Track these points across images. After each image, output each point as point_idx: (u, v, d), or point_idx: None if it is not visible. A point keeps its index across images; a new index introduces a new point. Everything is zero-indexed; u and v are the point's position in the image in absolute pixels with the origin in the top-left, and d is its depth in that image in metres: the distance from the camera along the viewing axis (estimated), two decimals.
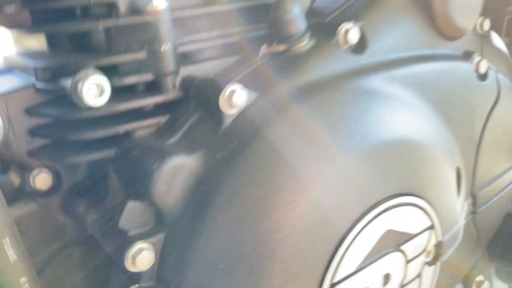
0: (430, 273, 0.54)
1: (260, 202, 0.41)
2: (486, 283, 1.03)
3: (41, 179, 0.51)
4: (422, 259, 0.52)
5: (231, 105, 0.44)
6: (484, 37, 0.70)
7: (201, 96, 0.46)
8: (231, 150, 0.42)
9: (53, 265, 0.54)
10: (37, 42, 0.55)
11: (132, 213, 0.42)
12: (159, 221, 0.43)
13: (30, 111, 0.48)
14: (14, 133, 0.48)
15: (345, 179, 0.44)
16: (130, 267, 0.41)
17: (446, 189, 0.54)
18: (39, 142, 0.49)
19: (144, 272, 0.42)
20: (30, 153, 0.49)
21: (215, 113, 0.44)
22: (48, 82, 0.47)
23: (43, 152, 0.49)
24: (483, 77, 0.64)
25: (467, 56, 0.63)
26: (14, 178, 0.55)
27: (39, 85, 0.47)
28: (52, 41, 0.52)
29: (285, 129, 0.43)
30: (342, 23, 0.51)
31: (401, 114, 0.50)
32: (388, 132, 0.48)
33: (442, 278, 0.58)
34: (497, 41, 0.75)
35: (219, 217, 0.41)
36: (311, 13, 0.57)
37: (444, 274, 0.58)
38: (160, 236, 0.42)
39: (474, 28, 0.69)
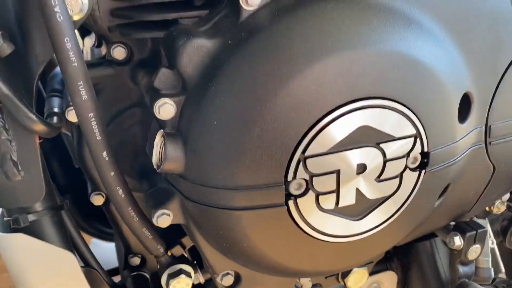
0: (412, 178, 0.61)
1: (252, 79, 0.52)
2: None
3: (118, 51, 0.68)
4: (403, 162, 0.59)
5: (247, 3, 0.54)
6: None
7: None
8: (239, 39, 0.54)
9: (119, 120, 0.72)
10: None
11: (164, 77, 0.57)
12: (184, 88, 0.57)
13: None
14: (100, 11, 0.65)
15: (332, 73, 0.53)
16: (157, 114, 0.56)
17: (441, 108, 0.59)
18: (116, 21, 0.65)
19: (167, 121, 0.57)
20: (110, 29, 0.65)
21: (237, 9, 0.56)
22: None
23: (118, 28, 0.65)
24: None
25: None
26: (103, 50, 0.74)
27: None
28: None
29: (286, 30, 0.53)
30: None
31: (404, 30, 0.56)
32: (384, 44, 0.55)
33: (434, 188, 0.65)
34: None
35: (220, 87, 0.53)
36: None
37: (436, 185, 0.65)
38: (182, 98, 0.56)
39: None
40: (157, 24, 0.62)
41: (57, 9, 0.53)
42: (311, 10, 0.53)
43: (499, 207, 0.99)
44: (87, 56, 0.84)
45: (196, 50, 0.55)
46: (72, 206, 1.04)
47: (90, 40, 0.81)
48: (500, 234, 1.05)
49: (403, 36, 0.56)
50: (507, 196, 0.93)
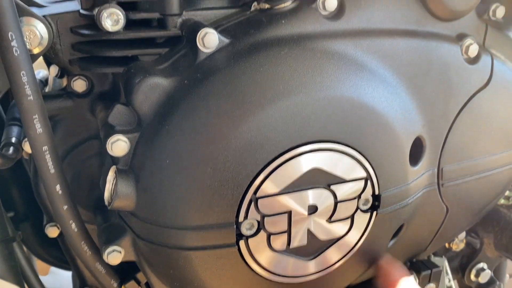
0: (364, 219, 0.62)
1: (206, 120, 0.53)
2: (487, 272, 1.06)
3: (78, 84, 0.68)
4: (355, 203, 0.60)
5: (204, 45, 0.55)
6: (495, 24, 0.72)
7: (189, 35, 0.58)
8: (195, 79, 0.55)
9: (76, 152, 0.72)
10: None
11: (119, 113, 0.57)
12: (139, 124, 0.57)
13: (73, 30, 0.64)
14: (61, 45, 0.65)
15: (284, 117, 0.54)
16: (109, 150, 0.56)
17: (392, 151, 0.60)
18: (78, 55, 0.65)
19: (120, 158, 0.57)
20: (71, 62, 0.66)
21: (195, 50, 0.57)
22: (87, 10, 0.63)
23: (79, 62, 0.65)
24: (472, 60, 0.67)
25: (458, 38, 0.67)
26: (64, 81, 0.74)
27: (82, 11, 0.63)
28: None
29: (240, 73, 0.54)
30: None
31: (355, 77, 0.58)
32: (336, 89, 0.56)
33: (386, 229, 0.66)
34: None
35: (174, 126, 0.54)
36: None
37: (388, 226, 0.66)
38: (136, 135, 0.56)
39: (486, 14, 0.72)
40: (117, 59, 0.62)
41: (14, 43, 0.53)
42: (266, 55, 0.55)
43: (458, 244, 1.01)
44: (50, 85, 0.84)
45: (152, 88, 0.55)
46: (30, 233, 1.02)
47: (55, 69, 0.81)
48: (459, 271, 1.07)
49: (355, 82, 0.57)
50: (464, 234, 0.96)
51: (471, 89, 0.68)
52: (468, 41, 0.66)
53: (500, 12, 0.72)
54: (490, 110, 0.70)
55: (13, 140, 0.72)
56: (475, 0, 0.65)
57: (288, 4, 0.59)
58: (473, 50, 0.66)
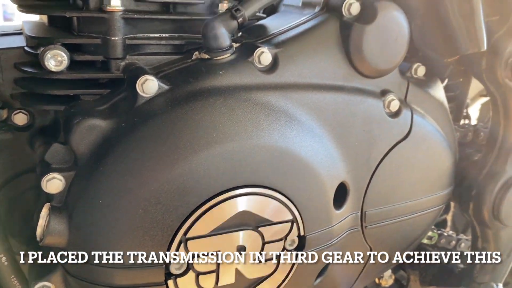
0: (290, 259, 0.66)
1: (139, 163, 0.56)
2: None
3: (19, 117, 0.69)
4: (281, 244, 0.64)
5: (143, 91, 0.59)
6: (417, 82, 0.80)
7: (130, 79, 0.61)
8: (133, 123, 0.57)
9: (13, 184, 0.72)
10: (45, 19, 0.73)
11: (56, 152, 0.58)
12: (75, 163, 0.59)
13: (16, 66, 0.65)
14: (3, 79, 0.66)
15: (215, 162, 0.57)
16: (44, 188, 0.57)
17: (317, 196, 0.65)
18: (19, 90, 0.67)
19: (55, 195, 0.58)
20: (13, 96, 0.67)
21: (134, 94, 0.60)
22: (32, 48, 0.64)
23: (20, 97, 0.66)
24: (394, 115, 0.74)
25: (382, 94, 0.73)
26: (4, 113, 0.74)
27: (27, 48, 0.65)
28: (50, 20, 0.70)
29: (176, 119, 0.58)
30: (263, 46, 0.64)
31: (285, 127, 0.63)
32: (265, 138, 0.61)
33: (311, 269, 0.70)
34: (437, 88, 0.84)
35: (108, 167, 0.56)
36: (251, 33, 0.71)
37: (314, 266, 0.70)
38: (72, 173, 0.58)
39: (408, 72, 0.80)
40: (59, 97, 0.64)
41: None
42: (202, 104, 0.59)
43: (387, 280, 1.07)
44: None
45: (89, 129, 0.57)
46: None
47: None
48: None
49: (283, 132, 0.62)
50: (390, 271, 1.01)
51: (392, 141, 0.74)
52: (390, 97, 0.73)
53: (421, 71, 0.80)
54: (410, 160, 0.77)
55: None
56: (397, 60, 0.72)
57: (226, 56, 0.64)
58: (395, 105, 0.73)
